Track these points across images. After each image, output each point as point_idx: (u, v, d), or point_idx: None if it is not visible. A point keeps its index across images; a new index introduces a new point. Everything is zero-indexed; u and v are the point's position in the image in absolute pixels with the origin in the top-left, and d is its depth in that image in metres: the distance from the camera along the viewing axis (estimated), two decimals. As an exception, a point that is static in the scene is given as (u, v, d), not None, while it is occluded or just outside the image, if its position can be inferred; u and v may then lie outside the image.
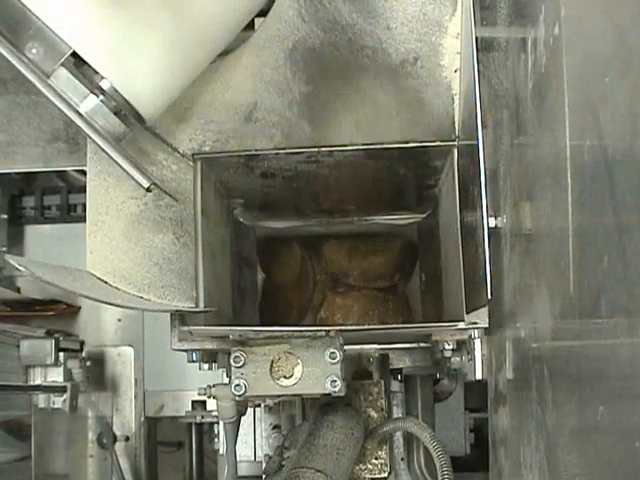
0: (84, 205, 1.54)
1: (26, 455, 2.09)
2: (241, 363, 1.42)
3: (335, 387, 1.41)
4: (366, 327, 1.54)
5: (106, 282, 1.46)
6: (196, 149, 1.51)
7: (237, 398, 1.45)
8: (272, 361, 1.43)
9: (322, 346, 1.42)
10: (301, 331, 1.44)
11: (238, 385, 1.42)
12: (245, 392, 1.42)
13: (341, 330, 1.45)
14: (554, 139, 1.05)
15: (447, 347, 1.55)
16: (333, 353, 1.41)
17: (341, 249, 2.00)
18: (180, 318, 1.48)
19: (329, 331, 1.43)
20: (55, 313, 2.35)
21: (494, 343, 1.53)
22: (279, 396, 1.54)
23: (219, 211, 1.66)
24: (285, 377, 1.43)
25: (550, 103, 1.09)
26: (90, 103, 1.28)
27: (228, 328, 1.51)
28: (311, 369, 1.42)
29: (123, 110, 1.31)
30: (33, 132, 1.66)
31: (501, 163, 1.41)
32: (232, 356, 1.43)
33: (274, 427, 2.05)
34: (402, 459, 1.90)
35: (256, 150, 1.50)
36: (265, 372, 1.42)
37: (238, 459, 1.75)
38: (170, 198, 1.47)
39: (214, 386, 1.62)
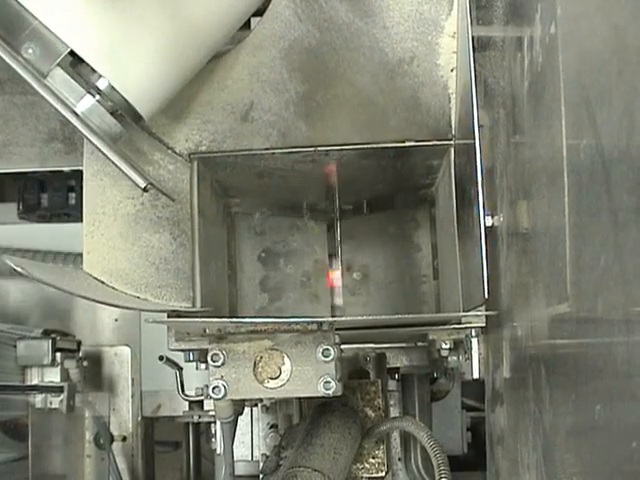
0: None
1: (23, 455, 2.09)
2: (220, 362, 1.30)
3: (329, 389, 1.28)
4: (362, 318, 1.48)
5: (103, 282, 1.46)
6: (193, 149, 1.51)
7: (216, 401, 1.34)
8: (255, 359, 1.29)
9: (313, 342, 1.29)
10: (289, 323, 1.31)
11: (217, 387, 1.30)
12: (225, 395, 1.30)
13: (335, 321, 1.36)
14: (551, 138, 1.05)
15: (444, 346, 1.55)
16: (327, 350, 1.27)
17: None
18: (177, 318, 1.48)
19: (321, 323, 1.29)
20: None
21: (491, 342, 1.53)
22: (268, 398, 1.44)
23: (216, 211, 1.66)
24: (271, 378, 1.29)
25: (546, 102, 1.09)
26: (86, 103, 1.28)
27: (204, 320, 1.42)
28: (301, 368, 1.28)
29: (119, 110, 1.31)
30: (29, 132, 1.66)
31: (498, 162, 1.41)
32: (210, 354, 1.30)
33: (271, 426, 2.04)
34: (399, 459, 1.90)
35: (253, 150, 1.50)
36: (248, 372, 1.29)
37: (235, 458, 1.75)
38: (167, 198, 1.47)
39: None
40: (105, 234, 1.48)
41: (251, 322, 1.33)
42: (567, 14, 1.00)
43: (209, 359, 1.30)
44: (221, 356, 1.30)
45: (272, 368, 1.29)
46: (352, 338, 1.59)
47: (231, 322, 1.36)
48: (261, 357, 1.29)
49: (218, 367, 1.30)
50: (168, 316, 1.48)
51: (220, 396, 1.30)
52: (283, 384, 1.29)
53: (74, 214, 2.36)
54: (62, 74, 1.26)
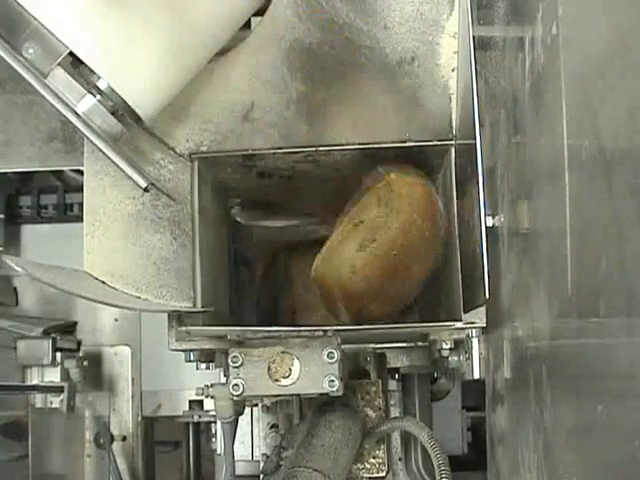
0: (81, 204, 1.54)
1: (23, 455, 2.09)
2: (239, 363, 1.42)
3: (333, 387, 1.40)
4: (363, 327, 1.52)
5: (103, 282, 1.46)
6: (193, 149, 1.51)
7: (235, 398, 1.44)
8: (270, 361, 1.42)
9: (320, 346, 1.41)
10: (299, 331, 1.44)
11: (236, 385, 1.42)
12: (243, 392, 1.42)
13: (338, 330, 1.44)
14: (552, 138, 1.05)
15: (445, 346, 1.55)
16: (331, 353, 1.40)
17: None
18: (177, 318, 1.48)
19: (326, 331, 1.42)
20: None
21: (492, 342, 1.53)
22: (277, 396, 1.54)
23: (216, 211, 1.66)
24: (283, 377, 1.43)
25: (548, 102, 1.09)
26: (87, 103, 1.28)
27: (226, 328, 1.51)
28: (309, 369, 1.42)
29: (120, 110, 1.31)
30: (30, 132, 1.65)
31: (498, 162, 1.41)
32: (230, 356, 1.43)
33: (272, 426, 2.04)
34: (400, 459, 1.90)
35: (253, 150, 1.50)
36: (263, 372, 1.42)
37: (236, 458, 1.75)
38: (167, 198, 1.47)
39: (212, 386, 1.62)
40: (105, 234, 1.48)
41: (267, 330, 1.44)
42: (569, 15, 1.00)
43: (229, 361, 1.43)
44: (240, 358, 1.43)
45: (284, 369, 1.43)
46: (353, 338, 1.59)
47: (250, 330, 1.46)
48: (274, 359, 1.43)
49: (237, 368, 1.43)
50: (169, 316, 1.48)
51: (239, 393, 1.42)
52: (293, 382, 1.43)
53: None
54: (63, 74, 1.26)
